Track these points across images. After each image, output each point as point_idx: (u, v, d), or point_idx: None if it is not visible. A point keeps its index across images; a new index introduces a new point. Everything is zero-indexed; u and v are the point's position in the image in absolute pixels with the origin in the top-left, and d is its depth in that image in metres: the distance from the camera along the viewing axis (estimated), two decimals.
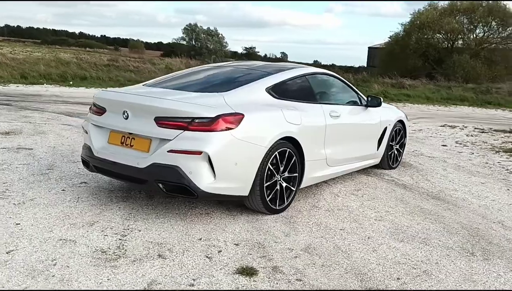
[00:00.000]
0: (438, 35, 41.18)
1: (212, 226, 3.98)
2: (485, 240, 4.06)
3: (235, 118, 3.90)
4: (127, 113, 4.07)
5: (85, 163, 4.51)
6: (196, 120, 3.80)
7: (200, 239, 3.71)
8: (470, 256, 3.70)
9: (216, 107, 3.91)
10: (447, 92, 22.16)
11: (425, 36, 40.21)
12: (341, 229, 4.10)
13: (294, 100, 4.70)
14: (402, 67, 36.61)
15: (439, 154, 8.10)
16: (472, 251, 3.79)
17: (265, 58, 58.99)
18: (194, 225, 3.98)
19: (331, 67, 56.79)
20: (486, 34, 40.95)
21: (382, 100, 5.91)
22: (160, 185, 3.88)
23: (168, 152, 3.81)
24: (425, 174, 6.42)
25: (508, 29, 39.93)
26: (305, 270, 3.28)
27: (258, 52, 67.16)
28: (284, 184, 4.37)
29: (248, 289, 2.99)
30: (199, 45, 68.35)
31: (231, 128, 3.86)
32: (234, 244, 3.65)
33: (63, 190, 4.69)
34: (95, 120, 4.39)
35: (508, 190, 5.85)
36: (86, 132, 4.46)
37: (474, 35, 41.46)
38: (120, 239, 3.61)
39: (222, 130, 3.82)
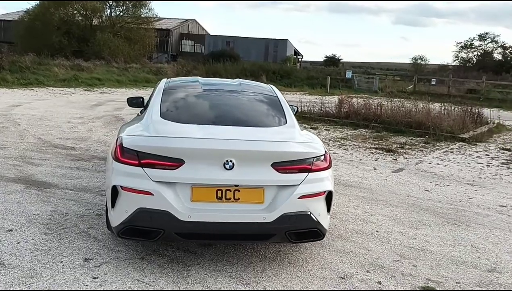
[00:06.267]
0: (76, 12, 40.94)
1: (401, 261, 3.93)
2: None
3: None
4: (232, 163, 3.41)
5: (147, 233, 3.41)
6: (315, 160, 3.66)
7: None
8: None
9: (318, 143, 3.85)
10: (133, 75, 23.04)
11: (67, 14, 39.37)
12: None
13: None
14: (48, 44, 34.91)
15: None
16: None
17: None
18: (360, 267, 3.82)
19: None
20: (121, 13, 43.38)
21: None
22: (288, 235, 3.55)
23: (299, 198, 3.52)
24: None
25: (140, 10, 43.47)
26: None
27: None
28: None
29: None
30: None
31: (330, 163, 3.88)
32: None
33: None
34: (164, 176, 3.38)
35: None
36: (149, 193, 3.35)
37: (109, 14, 43.25)
38: None
39: (330, 165, 3.82)
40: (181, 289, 3.33)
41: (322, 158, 3.71)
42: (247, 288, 3.41)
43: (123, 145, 3.52)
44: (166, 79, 5.15)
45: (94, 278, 3.39)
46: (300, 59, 58.36)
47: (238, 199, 3.46)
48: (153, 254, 3.83)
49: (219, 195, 3.44)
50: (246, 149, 3.52)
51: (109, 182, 3.55)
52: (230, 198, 3.45)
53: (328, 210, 3.76)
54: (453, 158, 8.94)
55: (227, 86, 4.96)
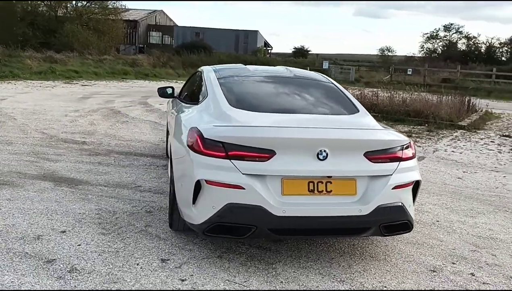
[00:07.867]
0: (40, 2, 39.37)
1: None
2: None
3: None
4: (326, 153, 3.19)
5: (235, 230, 3.16)
6: (403, 148, 3.49)
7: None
8: None
9: (397, 131, 3.69)
10: (110, 67, 22.30)
11: (31, 4, 37.85)
12: None
13: None
14: (12, 36, 33.34)
15: None
16: None
17: None
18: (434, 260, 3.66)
19: None
20: (88, 4, 41.95)
21: None
22: (382, 228, 3.37)
23: (393, 189, 3.34)
24: None
25: (106, 3, 42.09)
26: None
27: None
28: None
29: None
30: None
31: (415, 152, 3.72)
32: None
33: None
34: (255, 169, 3.12)
35: None
36: (240, 187, 3.09)
37: (75, 5, 41.81)
38: None
39: (415, 154, 3.66)
40: (277, 289, 3.10)
41: (409, 146, 3.54)
42: (345, 285, 3.21)
43: (205, 136, 3.24)
44: (209, 67, 4.86)
45: (182, 280, 3.11)
46: (270, 51, 58.27)
47: (330, 191, 3.25)
48: (228, 252, 3.57)
49: (311, 187, 3.22)
50: (341, 137, 3.32)
51: (190, 176, 3.26)
52: (322, 190, 3.24)
53: (413, 201, 3.60)
54: (464, 145, 8.99)
55: (281, 73, 4.71)
